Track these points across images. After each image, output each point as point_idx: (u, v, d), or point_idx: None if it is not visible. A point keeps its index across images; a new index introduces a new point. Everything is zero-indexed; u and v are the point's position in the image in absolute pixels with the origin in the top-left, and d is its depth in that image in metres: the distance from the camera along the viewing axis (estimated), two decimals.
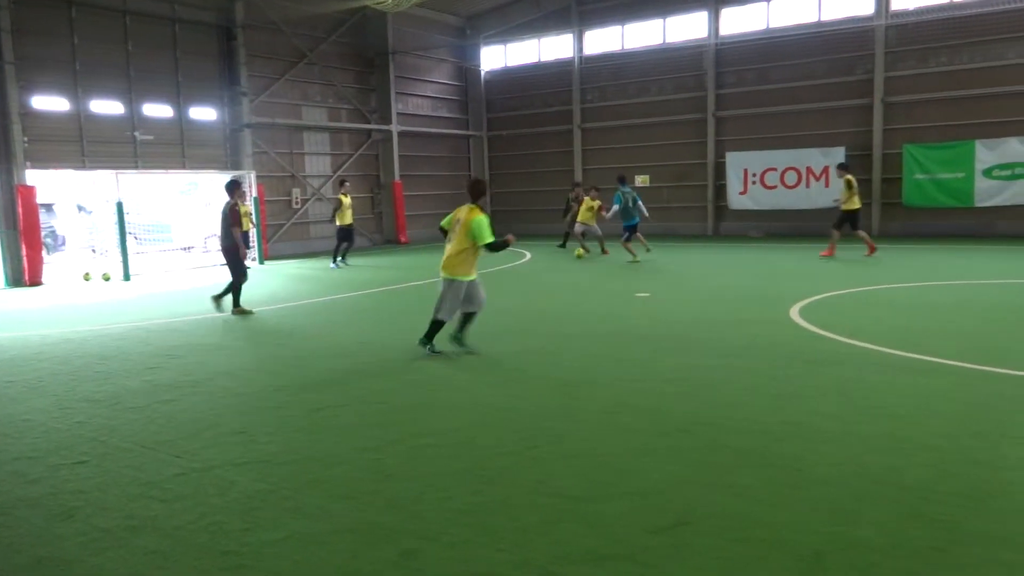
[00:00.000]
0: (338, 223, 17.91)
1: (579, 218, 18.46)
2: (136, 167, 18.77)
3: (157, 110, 19.52)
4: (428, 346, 7.83)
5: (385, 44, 25.05)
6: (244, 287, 11.14)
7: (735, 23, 23.83)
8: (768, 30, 23.23)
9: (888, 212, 21.76)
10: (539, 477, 4.50)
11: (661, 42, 25.11)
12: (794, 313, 9.69)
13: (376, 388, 6.73)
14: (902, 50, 21.30)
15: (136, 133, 19.01)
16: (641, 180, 25.58)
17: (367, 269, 17.57)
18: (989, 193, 19.94)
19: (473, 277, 7.74)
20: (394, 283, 14.44)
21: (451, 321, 7.89)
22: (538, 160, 27.88)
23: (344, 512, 4.09)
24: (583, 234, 18.51)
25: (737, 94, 23.95)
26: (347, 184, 18.80)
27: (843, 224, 16.36)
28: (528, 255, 19.69)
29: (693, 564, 3.41)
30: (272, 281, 15.77)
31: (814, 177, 22.24)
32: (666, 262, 16.67)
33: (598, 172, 26.60)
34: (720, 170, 24.13)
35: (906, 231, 21.29)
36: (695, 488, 4.27)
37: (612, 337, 8.70)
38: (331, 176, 24.25)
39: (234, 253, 11.01)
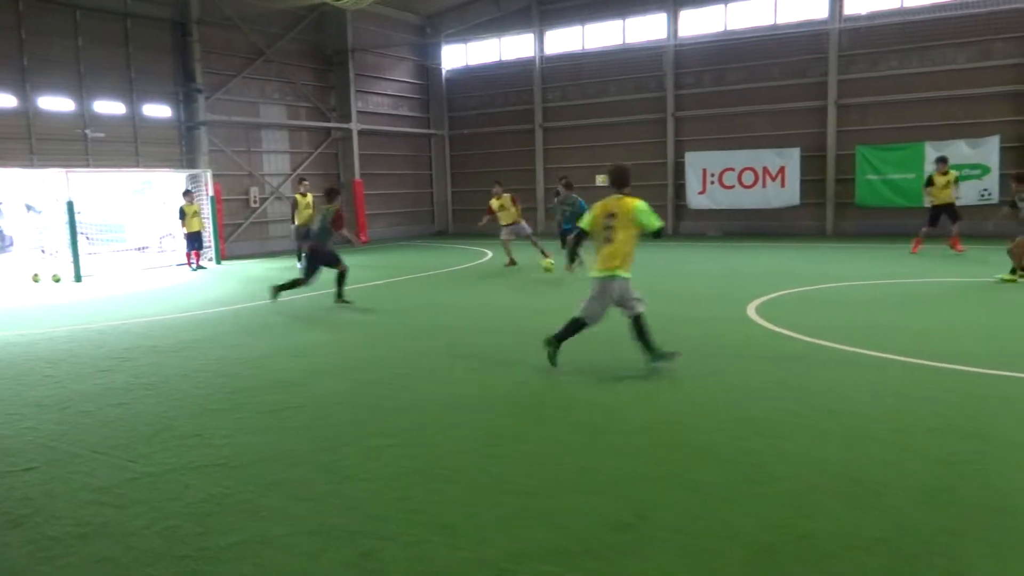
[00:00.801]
0: (296, 223, 17.66)
1: (502, 221, 16.25)
2: (87, 165, 18.33)
3: (109, 107, 19.08)
4: (554, 348, 6.99)
5: (344, 42, 24.83)
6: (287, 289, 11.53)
7: (693, 25, 24.13)
8: (725, 32, 23.56)
9: (841, 212, 22.24)
10: (498, 475, 4.51)
11: (621, 43, 25.32)
12: (751, 311, 9.84)
13: (334, 388, 6.67)
14: (854, 54, 21.79)
15: (87, 131, 18.56)
16: (601, 180, 25.72)
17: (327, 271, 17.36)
18: None
19: (630, 275, 6.94)
20: (353, 283, 14.31)
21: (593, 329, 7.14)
22: (500, 159, 27.89)
23: (302, 514, 4.04)
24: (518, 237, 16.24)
25: (695, 95, 24.25)
26: (306, 183, 18.26)
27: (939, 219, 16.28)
28: (490, 254, 19.69)
29: (651, 559, 3.45)
30: (229, 281, 15.53)
31: (770, 177, 22.63)
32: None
33: (559, 171, 26.68)
34: (679, 170, 24.41)
35: (859, 230, 21.79)
36: (654, 484, 4.32)
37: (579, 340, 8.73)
38: (290, 175, 23.96)
39: (319, 254, 11.27)
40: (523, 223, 16.39)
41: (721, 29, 23.65)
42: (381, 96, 27.12)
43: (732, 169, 23.17)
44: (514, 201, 16.28)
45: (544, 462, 4.70)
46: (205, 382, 7.00)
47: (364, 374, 7.19)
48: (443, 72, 28.92)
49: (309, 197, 17.45)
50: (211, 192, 19.40)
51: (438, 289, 13.17)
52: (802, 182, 22.29)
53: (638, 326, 6.83)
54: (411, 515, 3.98)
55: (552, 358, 6.97)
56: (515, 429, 5.38)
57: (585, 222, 7.08)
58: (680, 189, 24.46)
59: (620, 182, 7.03)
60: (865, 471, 4.41)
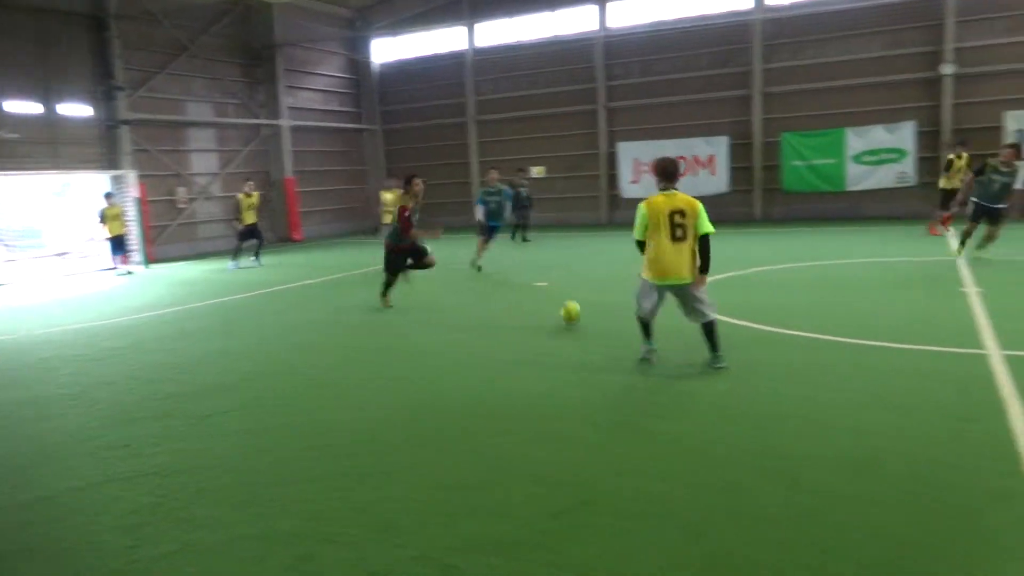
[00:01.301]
0: (242, 222, 17.11)
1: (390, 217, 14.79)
2: (1, 168, 17.48)
3: (22, 106, 18.21)
4: (649, 346, 6.69)
5: (271, 36, 24.27)
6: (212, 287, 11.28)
7: (623, 16, 24.40)
8: (654, 23, 23.89)
9: (769, 197, 22.86)
10: (441, 470, 4.51)
11: (552, 35, 25.43)
12: None
13: (270, 390, 6.55)
14: (777, 43, 22.39)
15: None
16: (537, 171, 25.88)
17: (260, 270, 17.01)
18: (858, 178, 21.29)
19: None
20: (286, 282, 14.06)
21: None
22: (435, 153, 27.75)
23: (239, 520, 3.97)
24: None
25: (626, 86, 24.56)
26: (250, 183, 17.81)
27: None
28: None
29: (591, 543, 3.51)
30: (156, 286, 15.06)
31: (700, 165, 23.10)
32: (563, 252, 16.94)
33: (494, 164, 26.71)
34: (612, 160, 24.71)
35: (787, 215, 22.46)
36: (593, 470, 4.38)
37: (514, 330, 8.78)
38: (218, 174, 23.34)
39: (398, 252, 10.50)
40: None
41: (650, 20, 23.97)
42: (311, 91, 26.64)
43: None
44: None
45: (487, 455, 4.72)
46: (132, 390, 6.78)
47: (300, 376, 7.07)
48: (374, 66, 28.57)
49: (255, 197, 17.26)
50: (136, 193, 18.74)
51: (374, 286, 13.04)
52: (731, 169, 22.84)
53: (711, 334, 6.45)
54: (352, 515, 3.95)
55: (650, 348, 6.70)
56: (459, 425, 5.38)
57: (640, 227, 6.37)
58: (613, 179, 24.77)
59: (669, 174, 6.43)
60: (790, 447, 4.57)
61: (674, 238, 6.21)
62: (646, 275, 6.50)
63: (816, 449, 4.52)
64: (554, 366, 6.86)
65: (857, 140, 21.18)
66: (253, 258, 17.55)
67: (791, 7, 22.06)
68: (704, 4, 23.22)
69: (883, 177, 21.09)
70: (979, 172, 11.75)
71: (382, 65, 28.63)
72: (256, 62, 24.50)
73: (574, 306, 8.43)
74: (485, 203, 14.60)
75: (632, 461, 4.50)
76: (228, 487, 4.42)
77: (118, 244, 17.48)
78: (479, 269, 14.02)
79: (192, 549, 3.66)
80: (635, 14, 24.20)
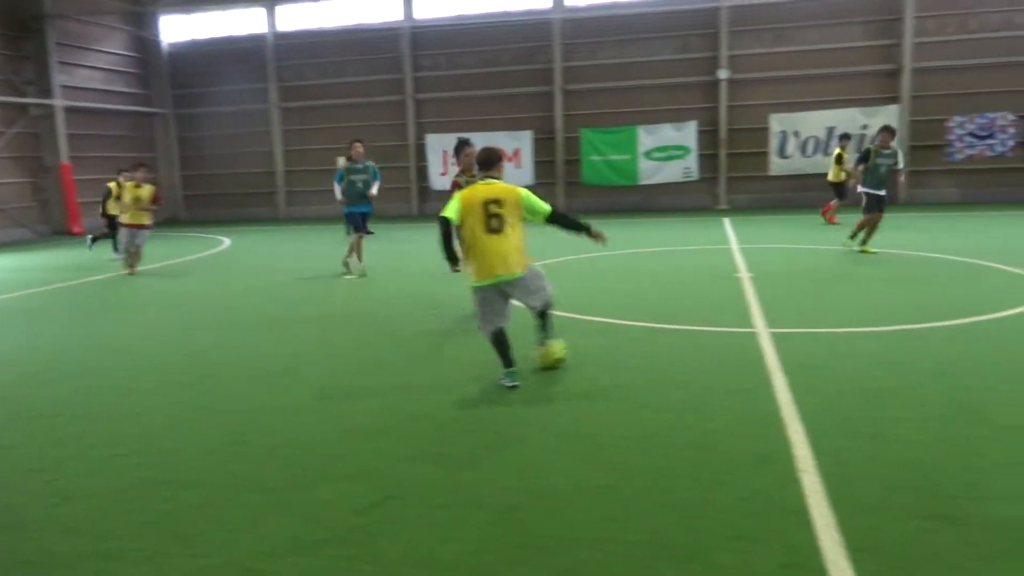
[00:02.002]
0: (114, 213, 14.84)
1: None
2: None
3: None
4: (512, 378, 5.75)
5: (40, 6, 21.76)
6: None
7: (428, 7, 24.43)
8: (459, 16, 24.17)
9: (571, 190, 23.97)
10: (242, 473, 4.32)
11: (357, 22, 24.93)
12: None
13: (44, 399, 5.91)
14: (577, 42, 23.49)
15: None
16: (342, 162, 25.30)
17: (28, 266, 15.26)
18: (650, 172, 22.92)
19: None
20: (68, 279, 12.75)
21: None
22: (235, 141, 26.29)
23: (12, 545, 3.57)
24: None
25: (433, 77, 24.66)
26: (142, 168, 13.27)
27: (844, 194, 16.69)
28: (227, 241, 18.56)
29: (400, 536, 3.52)
30: None
31: (507, 159, 23.72)
32: (379, 243, 16.73)
33: (300, 153, 25.83)
34: (421, 151, 24.74)
35: (586, 207, 23.61)
36: (400, 463, 4.40)
37: (320, 321, 8.57)
38: None
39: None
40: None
41: (454, 13, 24.20)
42: (90, 69, 24.23)
43: None
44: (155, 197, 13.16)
45: (290, 455, 4.58)
46: None
47: (79, 380, 6.45)
48: (164, 45, 26.50)
49: (145, 190, 13.04)
50: None
51: (176, 280, 12.17)
52: (535, 163, 23.69)
53: (544, 320, 6.09)
54: (143, 528, 3.68)
55: (512, 380, 5.73)
56: (261, 425, 5.16)
57: (452, 210, 5.74)
58: (423, 171, 24.83)
59: (489, 163, 6.03)
60: (592, 427, 4.86)
61: (489, 229, 5.68)
62: (475, 280, 5.82)
63: (615, 428, 4.84)
64: (358, 360, 6.78)
65: (648, 137, 22.76)
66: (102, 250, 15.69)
67: (588, 8, 23.23)
68: (506, 1, 23.80)
69: (671, 172, 22.85)
70: (864, 159, 12.29)
71: (173, 45, 26.64)
72: (22, 34, 21.88)
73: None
74: (352, 183, 12.37)
75: (444, 450, 4.56)
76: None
77: None
78: (356, 274, 11.81)
79: None
80: (440, 6, 24.35)
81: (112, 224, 15.29)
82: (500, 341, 5.82)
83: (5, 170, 21.60)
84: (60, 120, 22.26)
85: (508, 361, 5.80)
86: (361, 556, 3.35)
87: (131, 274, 12.86)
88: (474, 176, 6.93)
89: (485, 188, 5.82)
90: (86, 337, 8.29)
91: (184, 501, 3.97)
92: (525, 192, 5.94)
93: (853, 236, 12.60)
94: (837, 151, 17.31)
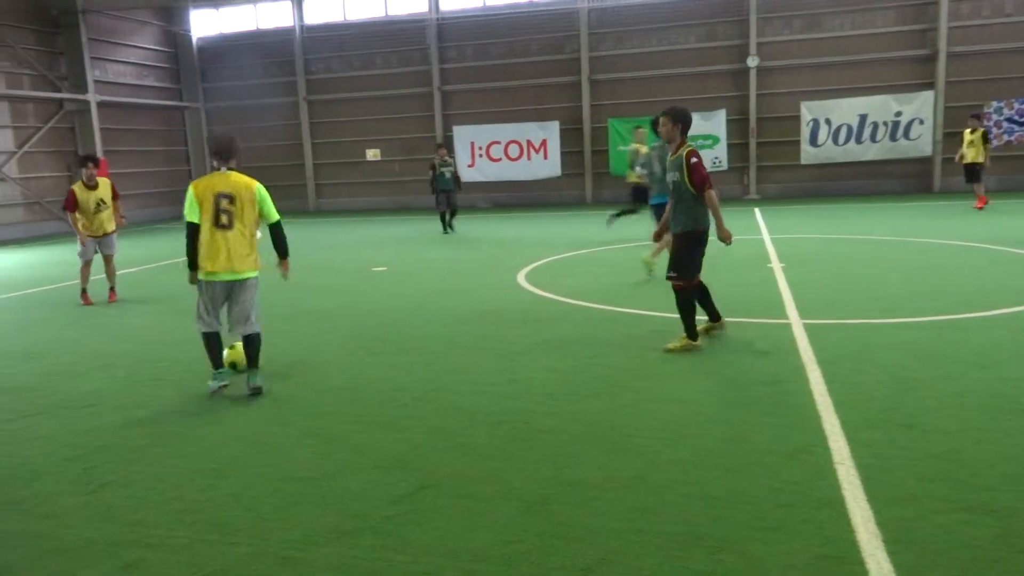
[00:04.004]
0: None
1: None
2: None
3: None
4: (221, 382, 5.70)
5: (73, 1, 22.09)
6: None
7: None
8: (485, 7, 24.11)
9: (599, 181, 23.86)
10: (273, 463, 4.36)
11: (384, 14, 24.99)
12: (521, 278, 10.31)
13: (80, 390, 6.02)
14: (603, 32, 23.31)
15: None
16: (372, 154, 25.48)
17: (61, 260, 15.55)
18: None
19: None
20: (99, 272, 12.96)
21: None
22: (264, 134, 26.51)
23: (48, 532, 3.64)
24: None
25: (460, 69, 24.64)
26: (92, 166, 9.86)
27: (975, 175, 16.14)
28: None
29: (431, 525, 3.54)
30: None
31: (534, 149, 23.70)
32: (402, 236, 16.81)
33: (329, 146, 26.01)
34: (449, 143, 24.73)
35: (615, 198, 23.47)
36: (432, 453, 4.41)
37: (347, 313, 8.63)
38: (15, 152, 21.04)
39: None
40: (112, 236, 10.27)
41: (481, 4, 24.15)
42: (122, 64, 24.58)
43: (498, 142, 23.93)
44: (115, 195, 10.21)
45: (322, 444, 4.62)
46: None
47: (113, 371, 6.56)
48: (194, 40, 26.79)
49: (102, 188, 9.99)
50: None
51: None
52: (563, 154, 23.60)
53: (258, 345, 5.72)
54: (180, 516, 3.74)
55: (220, 383, 5.69)
56: (289, 415, 5.22)
57: (191, 208, 5.47)
58: None
59: (226, 154, 5.61)
60: (621, 418, 4.84)
61: (217, 224, 5.39)
62: (200, 273, 5.57)
63: (645, 419, 4.81)
64: (383, 351, 6.82)
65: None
66: None
67: None
68: None
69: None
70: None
71: (203, 39, 26.91)
72: (56, 29, 22.25)
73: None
74: (441, 174, 16.35)
75: (474, 441, 4.57)
76: (34, 497, 4.04)
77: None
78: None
79: None
80: None
81: None
82: (209, 342, 5.70)
83: (42, 164, 22.02)
84: (95, 114, 22.62)
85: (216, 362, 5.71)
86: (393, 545, 3.37)
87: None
88: None
89: (215, 180, 5.51)
90: (119, 329, 8.43)
91: (220, 490, 4.03)
92: (262, 190, 5.64)
93: None
94: (982, 130, 16.09)
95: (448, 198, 16.69)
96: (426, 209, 24.23)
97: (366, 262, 12.68)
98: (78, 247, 9.96)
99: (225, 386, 5.66)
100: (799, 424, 4.57)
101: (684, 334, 6.33)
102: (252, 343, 5.70)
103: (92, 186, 9.81)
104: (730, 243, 6.33)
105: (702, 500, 3.66)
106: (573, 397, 5.30)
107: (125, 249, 16.75)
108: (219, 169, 5.60)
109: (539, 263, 11.56)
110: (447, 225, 16.85)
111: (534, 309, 8.35)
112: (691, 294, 6.37)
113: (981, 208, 16.12)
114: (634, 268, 10.83)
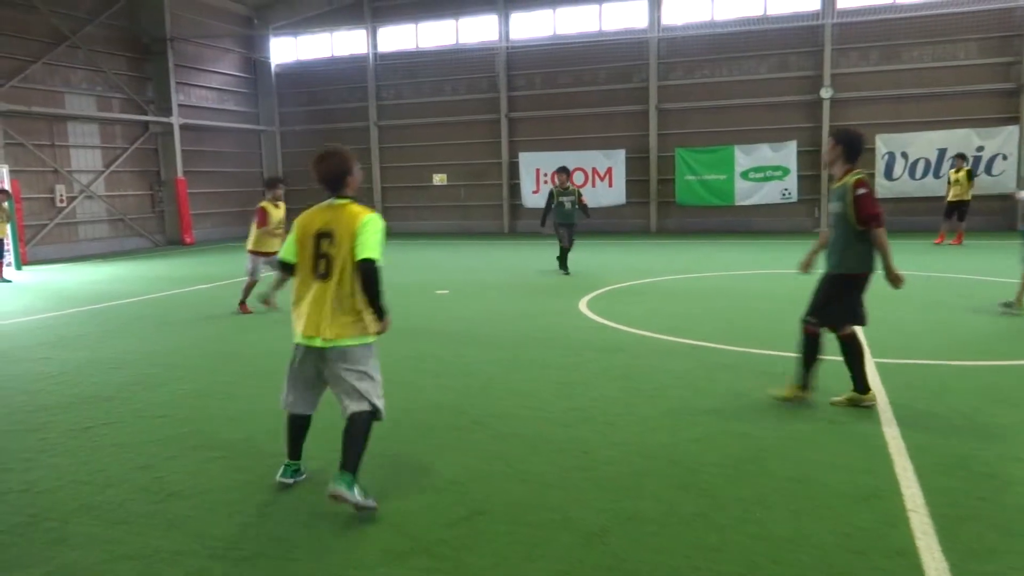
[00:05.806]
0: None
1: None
2: None
3: None
4: (286, 479, 4.41)
5: (162, 29, 23.23)
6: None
7: (524, 28, 24.73)
8: (555, 36, 24.35)
9: (664, 210, 23.65)
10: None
11: (455, 43, 25.49)
12: (582, 305, 10.26)
13: (154, 401, 6.24)
14: (672, 61, 23.24)
15: None
16: (439, 179, 25.90)
17: (146, 275, 16.21)
18: (746, 193, 22.36)
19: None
20: (178, 287, 13.47)
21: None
22: None
23: (119, 538, 3.76)
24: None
25: (527, 97, 24.89)
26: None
27: (953, 214, 17.21)
28: None
29: (487, 551, 3.52)
30: (30, 291, 14.10)
31: (599, 177, 23.67)
32: (465, 260, 16.97)
33: (396, 170, 26.54)
34: (514, 169, 24.96)
35: (680, 228, 23.32)
36: (489, 478, 4.40)
37: (411, 333, 8.72)
38: (103, 171, 22.12)
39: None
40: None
41: (551, 33, 24.41)
42: (205, 89, 25.66)
43: None
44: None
45: (380, 464, 4.66)
46: (3, 400, 6.33)
47: (187, 384, 6.78)
48: (272, 66, 27.81)
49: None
50: (7, 189, 17.42)
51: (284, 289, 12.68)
52: (627, 182, 23.51)
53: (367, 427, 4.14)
54: (243, 529, 3.82)
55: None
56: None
57: (288, 250, 4.24)
58: (515, 188, 25.03)
59: (336, 181, 4.13)
60: (683, 451, 4.74)
61: (316, 274, 4.08)
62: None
63: (708, 454, 4.70)
64: (444, 373, 6.85)
65: (745, 157, 22.24)
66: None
67: (685, 27, 22.96)
68: (603, 20, 23.84)
69: (768, 193, 22.23)
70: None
71: (281, 65, 27.90)
72: (145, 56, 23.41)
73: None
74: (560, 204, 13.95)
75: (532, 468, 4.54)
76: (107, 503, 4.18)
77: None
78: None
79: (67, 571, 3.44)
80: (536, 26, 24.58)
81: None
82: (293, 425, 4.44)
83: (127, 183, 23.08)
84: (177, 137, 23.63)
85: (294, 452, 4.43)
86: (448, 569, 3.37)
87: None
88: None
89: (320, 214, 4.15)
90: (197, 342, 8.71)
91: (282, 504, 4.10)
92: (368, 222, 4.06)
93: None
94: (966, 169, 17.34)
95: (569, 232, 14.07)
96: (490, 234, 24.44)
97: (429, 284, 12.83)
98: (248, 264, 10.43)
99: (290, 484, 4.37)
100: (870, 467, 4.40)
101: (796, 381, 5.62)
102: (359, 425, 4.10)
103: (278, 206, 10.50)
104: (899, 287, 5.55)
105: (765, 541, 3.55)
106: (635, 429, 5.22)
107: (200, 266, 17.40)
108: (331, 200, 4.16)
109: (601, 291, 11.49)
110: (563, 264, 14.14)
111: (596, 337, 8.30)
112: (814, 340, 5.59)
113: (940, 243, 17.07)
114: (695, 299, 10.66)
